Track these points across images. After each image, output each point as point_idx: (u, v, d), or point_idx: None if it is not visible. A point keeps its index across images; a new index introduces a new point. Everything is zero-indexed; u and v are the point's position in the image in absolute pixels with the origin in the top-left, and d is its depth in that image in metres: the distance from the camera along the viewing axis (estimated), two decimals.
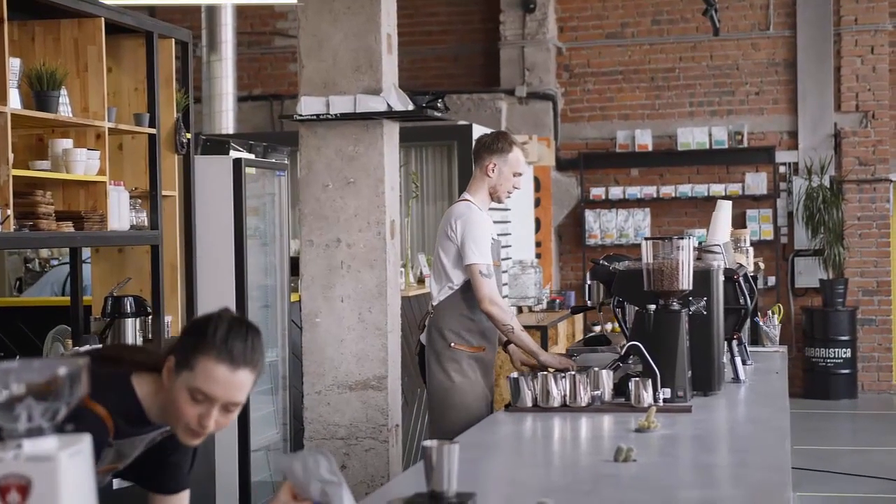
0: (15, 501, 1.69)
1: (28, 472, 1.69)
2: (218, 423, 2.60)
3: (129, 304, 5.36)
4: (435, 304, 5.23)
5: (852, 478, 8.46)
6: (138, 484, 2.90)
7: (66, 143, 4.95)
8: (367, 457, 5.53)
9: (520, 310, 10.09)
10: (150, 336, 5.52)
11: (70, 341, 5.40)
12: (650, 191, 12.58)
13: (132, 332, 5.35)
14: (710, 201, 11.59)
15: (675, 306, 4.34)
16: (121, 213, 5.22)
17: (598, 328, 10.23)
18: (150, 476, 2.86)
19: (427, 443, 2.73)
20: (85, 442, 1.77)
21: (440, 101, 5.71)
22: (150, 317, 5.51)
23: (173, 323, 5.79)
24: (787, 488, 2.86)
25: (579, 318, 10.82)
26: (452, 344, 5.11)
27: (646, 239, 4.40)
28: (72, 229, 4.90)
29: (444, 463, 2.72)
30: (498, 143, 5.18)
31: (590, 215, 12.69)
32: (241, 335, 2.60)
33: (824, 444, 9.87)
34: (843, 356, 11.99)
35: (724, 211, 5.48)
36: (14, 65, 4.61)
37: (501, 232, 10.04)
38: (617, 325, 5.24)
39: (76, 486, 1.74)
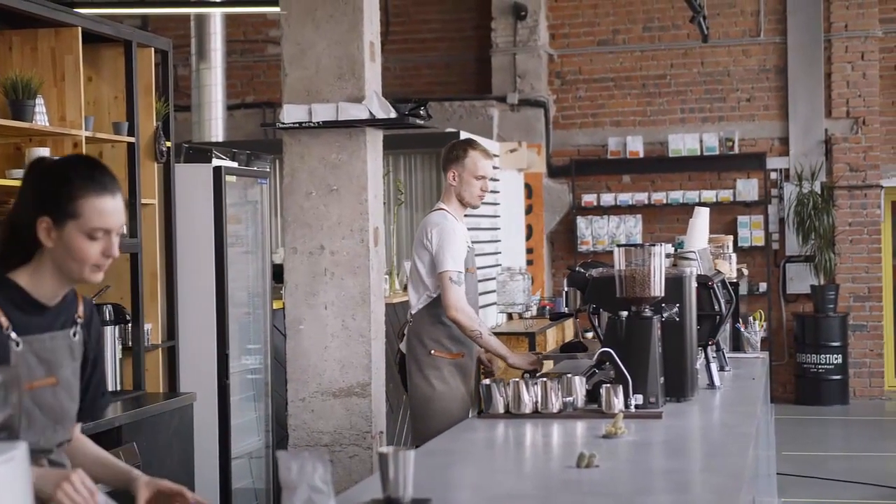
0: None
1: None
2: (117, 250, 2.72)
3: (108, 312, 5.38)
4: (413, 312, 5.28)
5: (840, 483, 8.46)
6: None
7: (43, 151, 4.97)
8: (352, 463, 5.54)
9: (509, 316, 10.11)
10: (129, 344, 5.54)
11: None
12: (642, 197, 12.59)
13: (111, 339, 5.36)
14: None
15: (648, 313, 4.35)
16: None
17: (590, 335, 10.23)
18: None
19: (382, 449, 2.75)
20: (19, 449, 1.79)
21: (423, 108, 5.72)
22: (129, 324, 5.52)
23: (153, 331, 5.81)
24: (740, 493, 2.88)
25: (569, 324, 10.83)
26: (432, 351, 5.19)
27: (618, 246, 4.42)
28: None
29: (399, 469, 2.74)
30: (453, 151, 5.31)
31: (581, 222, 12.71)
32: (95, 166, 2.73)
33: (815, 450, 9.88)
34: (835, 362, 12.00)
35: (701, 218, 5.50)
36: None
37: (491, 238, 10.08)
38: None
39: (9, 493, 1.75)
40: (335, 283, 5.48)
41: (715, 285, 5.00)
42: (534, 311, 10.29)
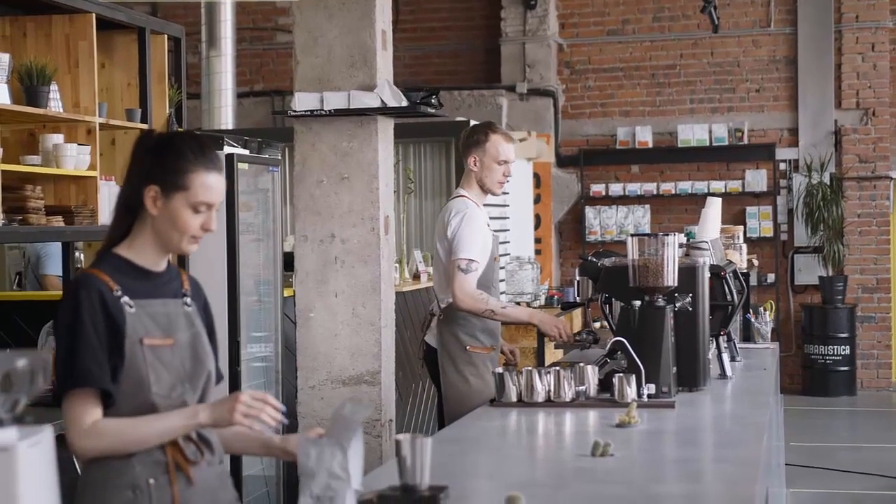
0: None
1: None
2: (215, 224, 2.85)
3: None
4: (443, 306, 5.20)
5: (848, 474, 8.47)
6: None
7: (57, 137, 4.97)
8: None
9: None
10: None
11: None
12: (650, 187, 12.59)
13: None
14: None
15: (660, 302, 4.35)
16: (111, 208, 5.24)
17: (598, 324, 10.23)
18: None
19: (399, 437, 2.75)
20: (46, 433, 1.80)
21: (434, 97, 5.71)
22: None
23: None
24: (755, 482, 2.88)
25: (578, 313, 10.83)
26: (468, 347, 5.12)
27: (631, 235, 4.42)
28: (62, 224, 4.93)
29: (416, 457, 2.74)
30: (474, 135, 5.19)
31: (590, 212, 12.71)
32: (205, 143, 2.84)
33: (822, 441, 9.88)
34: (843, 353, 12.00)
35: (714, 208, 5.49)
36: (3, 60, 4.64)
37: (500, 228, 10.07)
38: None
39: (35, 477, 1.76)
40: (346, 271, 5.48)
41: (727, 275, 5.00)
42: (542, 300, 10.29)
